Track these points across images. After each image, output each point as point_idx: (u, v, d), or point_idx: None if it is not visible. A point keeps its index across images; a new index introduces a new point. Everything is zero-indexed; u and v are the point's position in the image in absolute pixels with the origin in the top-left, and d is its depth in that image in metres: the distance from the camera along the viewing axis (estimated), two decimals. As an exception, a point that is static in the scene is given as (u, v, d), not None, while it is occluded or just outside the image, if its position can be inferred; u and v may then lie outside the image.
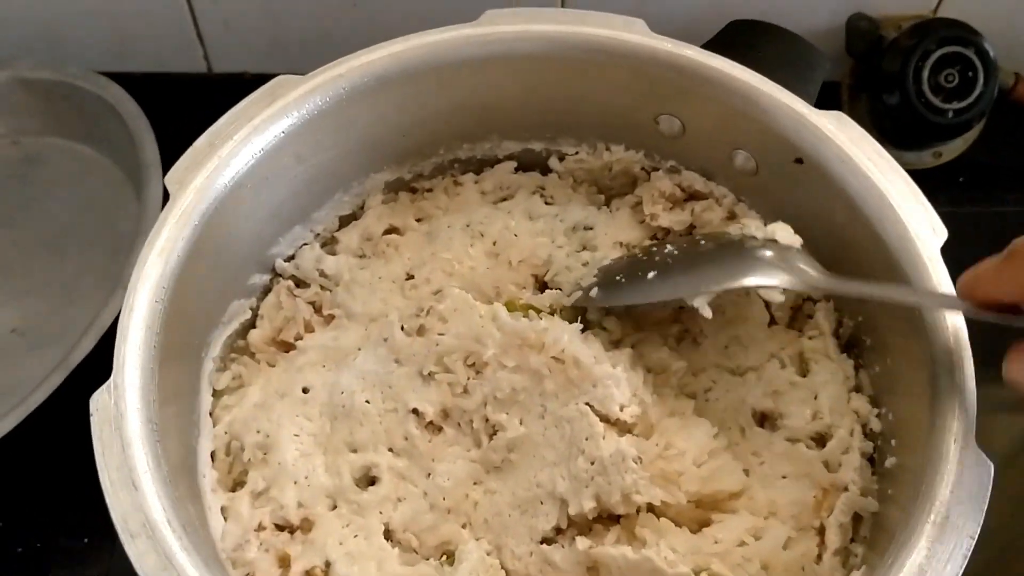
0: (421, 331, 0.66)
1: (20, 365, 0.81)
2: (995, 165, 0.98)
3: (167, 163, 0.81)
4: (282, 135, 0.63)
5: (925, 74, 0.87)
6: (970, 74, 0.88)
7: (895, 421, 0.61)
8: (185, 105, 0.97)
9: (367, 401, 0.64)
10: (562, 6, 0.94)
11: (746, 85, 0.64)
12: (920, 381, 0.56)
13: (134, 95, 0.88)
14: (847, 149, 0.62)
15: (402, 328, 0.66)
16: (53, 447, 0.73)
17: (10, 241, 0.88)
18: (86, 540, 0.75)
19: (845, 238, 0.63)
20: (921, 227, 0.59)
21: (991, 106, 0.89)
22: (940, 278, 0.57)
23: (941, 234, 0.59)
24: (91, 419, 0.52)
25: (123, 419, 0.52)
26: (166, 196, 0.77)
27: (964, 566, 0.49)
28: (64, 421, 0.67)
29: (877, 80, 0.92)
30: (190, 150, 0.61)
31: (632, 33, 0.66)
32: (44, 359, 0.79)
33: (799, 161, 0.64)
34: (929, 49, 0.87)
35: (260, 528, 0.61)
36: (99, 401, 0.52)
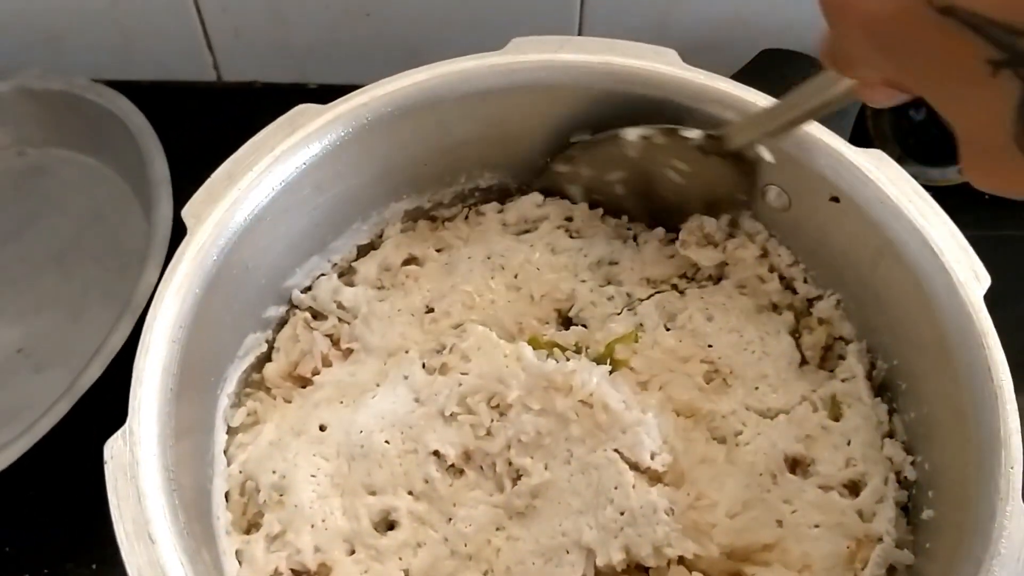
0: (443, 369, 0.64)
1: (26, 387, 0.79)
2: None
3: (175, 177, 0.81)
4: (303, 166, 0.61)
5: None
6: None
7: (932, 471, 0.59)
8: (194, 114, 0.98)
9: (386, 441, 0.62)
10: (579, 32, 0.92)
11: (780, 120, 0.62)
12: (960, 431, 0.55)
13: (142, 103, 0.86)
14: (886, 189, 0.60)
15: (423, 366, 0.65)
16: (60, 473, 0.72)
17: (16, 255, 0.86)
18: (94, 567, 0.73)
19: (881, 281, 0.61)
20: (964, 273, 0.57)
21: None
22: (984, 327, 0.55)
23: (984, 281, 0.57)
24: (105, 467, 0.50)
25: (138, 467, 0.50)
26: (176, 217, 0.77)
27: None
28: (71, 447, 0.66)
29: None
30: (208, 182, 0.59)
31: (663, 64, 0.64)
32: (50, 381, 0.78)
33: (835, 200, 0.62)
34: None
35: (276, 574, 0.59)
36: (114, 448, 0.51)
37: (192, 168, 0.77)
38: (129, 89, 0.87)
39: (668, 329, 0.67)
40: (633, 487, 0.57)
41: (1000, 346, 0.54)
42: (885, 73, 0.40)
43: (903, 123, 0.89)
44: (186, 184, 0.79)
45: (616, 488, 0.58)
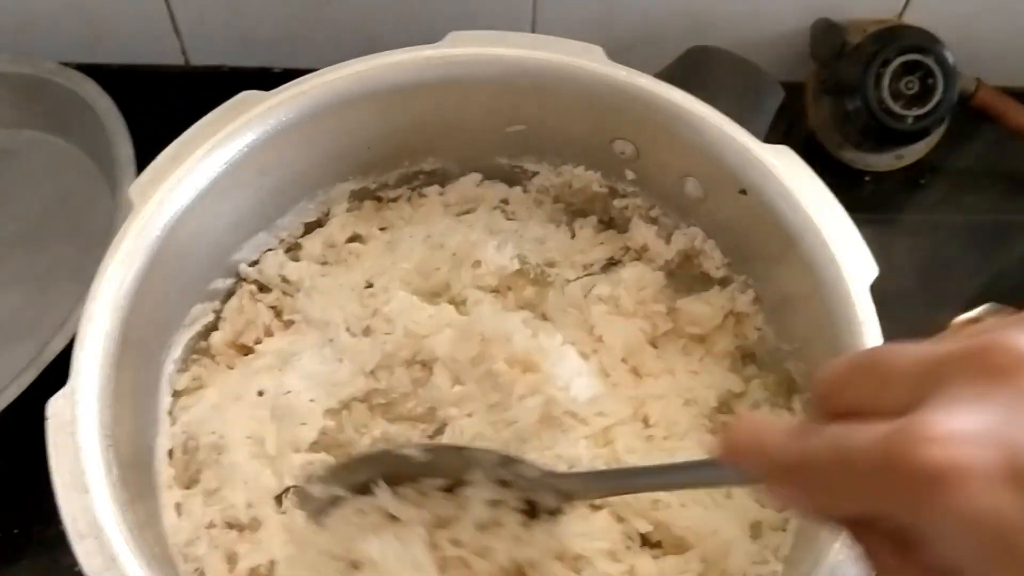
0: (367, 332, 0.69)
1: (-5, 358, 0.82)
2: (956, 168, 1.00)
3: (143, 159, 0.84)
4: (246, 149, 0.65)
5: (885, 81, 0.90)
6: (930, 81, 0.90)
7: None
8: (163, 97, 1.00)
9: (311, 400, 0.67)
10: (533, 29, 0.96)
11: (694, 115, 0.67)
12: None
13: (110, 87, 0.89)
14: (787, 183, 0.64)
15: (347, 330, 0.69)
16: (27, 441, 0.75)
17: (-17, 236, 0.90)
18: (62, 527, 0.76)
19: (782, 272, 0.65)
20: (854, 265, 0.61)
21: (952, 111, 0.92)
22: (866, 315, 0.59)
23: (872, 271, 0.61)
24: (46, 423, 0.55)
25: (76, 424, 0.54)
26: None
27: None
28: (37, 416, 0.70)
29: (839, 85, 0.94)
30: (153, 163, 0.63)
31: (589, 60, 0.68)
32: (17, 355, 0.81)
33: (743, 192, 0.66)
34: (889, 57, 0.90)
35: (211, 526, 0.64)
36: (55, 406, 0.55)
37: (158, 150, 0.81)
38: (98, 73, 0.91)
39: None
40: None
41: (879, 333, 0.58)
42: None
43: (841, 110, 0.94)
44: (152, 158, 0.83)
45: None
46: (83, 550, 0.51)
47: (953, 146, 0.99)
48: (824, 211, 0.63)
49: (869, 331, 0.59)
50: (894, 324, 0.59)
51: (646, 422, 0.66)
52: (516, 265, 0.70)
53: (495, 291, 0.71)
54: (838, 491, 0.32)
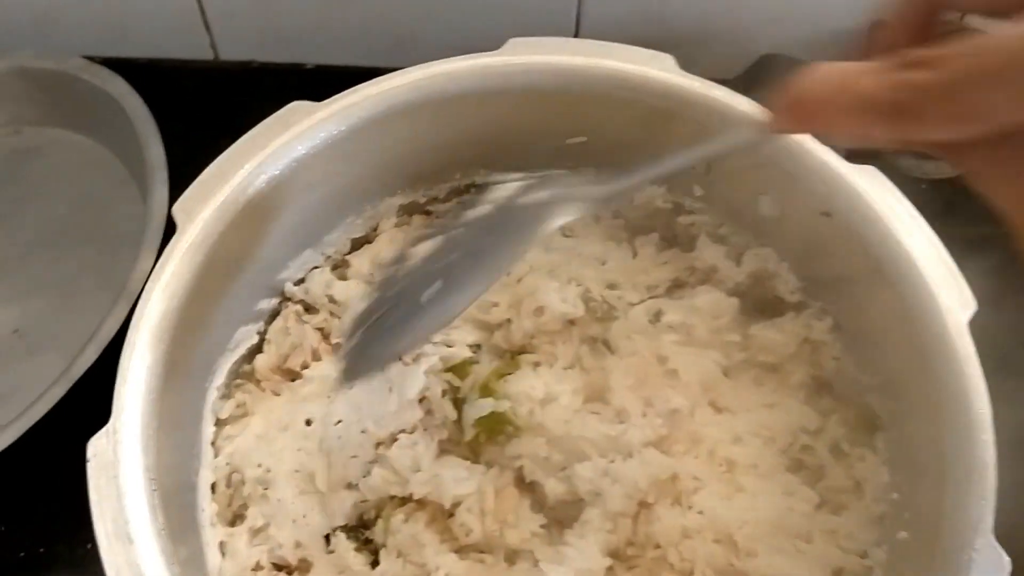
0: (417, 359, 0.65)
1: (21, 369, 0.79)
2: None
3: (170, 157, 0.81)
4: (294, 163, 0.61)
5: None
6: None
7: (909, 494, 0.59)
8: (191, 93, 0.97)
9: (362, 431, 0.63)
10: (576, 29, 0.91)
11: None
12: (937, 459, 0.55)
13: (137, 81, 0.86)
14: (877, 208, 0.60)
15: (400, 358, 0.65)
16: (55, 456, 0.72)
17: (11, 235, 0.86)
18: (88, 546, 0.72)
19: (867, 300, 0.61)
20: (950, 297, 0.57)
21: None
22: (967, 352, 0.55)
23: (970, 306, 0.57)
24: (88, 465, 0.51)
25: (119, 467, 0.51)
26: (171, 204, 0.76)
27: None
28: (65, 431, 0.67)
29: None
30: (199, 179, 0.59)
31: (660, 69, 0.64)
32: (44, 364, 0.78)
33: (827, 214, 0.62)
34: None
35: (257, 568, 0.60)
36: (96, 446, 0.51)
37: (188, 148, 0.77)
38: (124, 67, 0.87)
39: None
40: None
41: (981, 375, 0.54)
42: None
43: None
44: (181, 164, 0.79)
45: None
46: (128, 606, 0.47)
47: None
48: (916, 238, 0.59)
49: (970, 370, 0.55)
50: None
51: (729, 466, 0.62)
52: (581, 311, 0.66)
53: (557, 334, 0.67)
54: (980, 105, 0.32)
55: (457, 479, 0.61)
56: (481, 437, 0.63)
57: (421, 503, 0.61)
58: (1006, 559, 0.50)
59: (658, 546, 0.59)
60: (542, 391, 0.62)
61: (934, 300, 0.57)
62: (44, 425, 0.70)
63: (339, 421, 0.63)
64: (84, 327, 0.75)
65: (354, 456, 0.62)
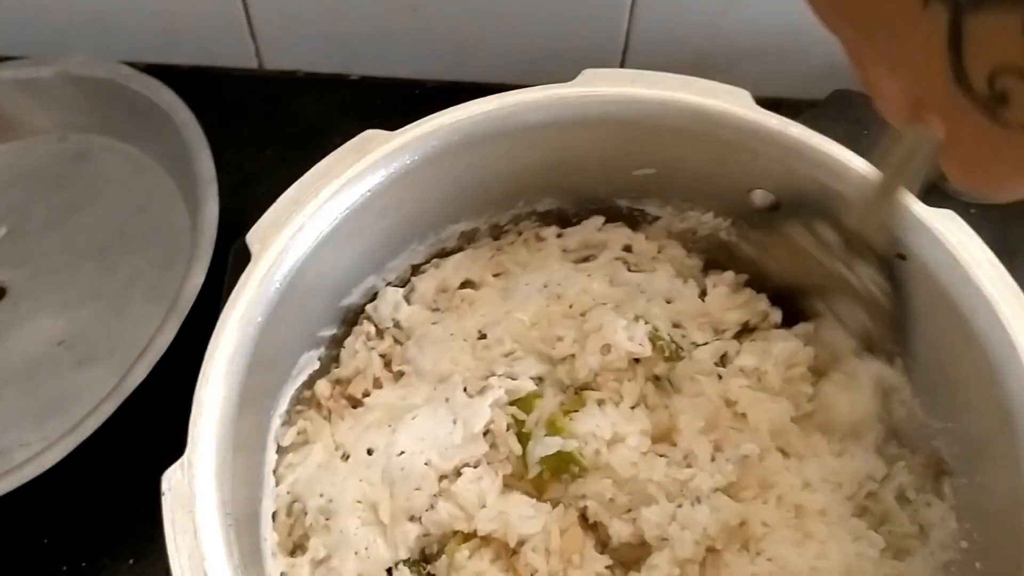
0: (482, 391, 0.64)
1: (69, 381, 0.79)
2: None
3: (216, 168, 0.80)
4: (369, 193, 0.61)
5: None
6: None
7: (982, 544, 0.59)
8: (236, 102, 0.97)
9: (426, 463, 0.62)
10: (622, 64, 0.91)
11: (851, 171, 0.62)
12: (1016, 518, 0.54)
13: (182, 87, 0.85)
14: (956, 254, 0.59)
15: (464, 389, 0.64)
16: (102, 471, 0.72)
17: (58, 244, 0.86)
18: (131, 561, 0.73)
19: (946, 348, 0.60)
20: (1030, 349, 0.56)
21: None
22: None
23: (1051, 358, 0.56)
24: (163, 499, 0.50)
25: (195, 501, 0.50)
26: (221, 217, 0.76)
27: None
28: (114, 446, 0.66)
29: None
30: (273, 207, 0.58)
31: (737, 105, 0.63)
32: (92, 377, 0.78)
33: (902, 257, 0.61)
34: None
35: (319, 600, 0.59)
36: (172, 480, 0.50)
37: (232, 157, 0.77)
38: (169, 73, 0.87)
39: (720, 378, 0.66)
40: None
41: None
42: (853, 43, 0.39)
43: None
44: (224, 173, 0.78)
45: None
46: (206, 643, 0.47)
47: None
48: (998, 287, 0.58)
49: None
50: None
51: (798, 512, 0.61)
52: (648, 351, 0.65)
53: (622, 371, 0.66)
54: None
55: (523, 517, 0.60)
56: (546, 475, 0.62)
57: (486, 539, 0.61)
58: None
59: None
60: (609, 431, 0.62)
61: (1015, 348, 0.56)
62: (93, 443, 0.70)
63: (402, 452, 0.62)
64: (132, 340, 0.74)
65: (417, 488, 0.61)
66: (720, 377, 0.66)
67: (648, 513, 0.60)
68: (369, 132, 0.61)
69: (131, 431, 0.70)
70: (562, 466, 0.61)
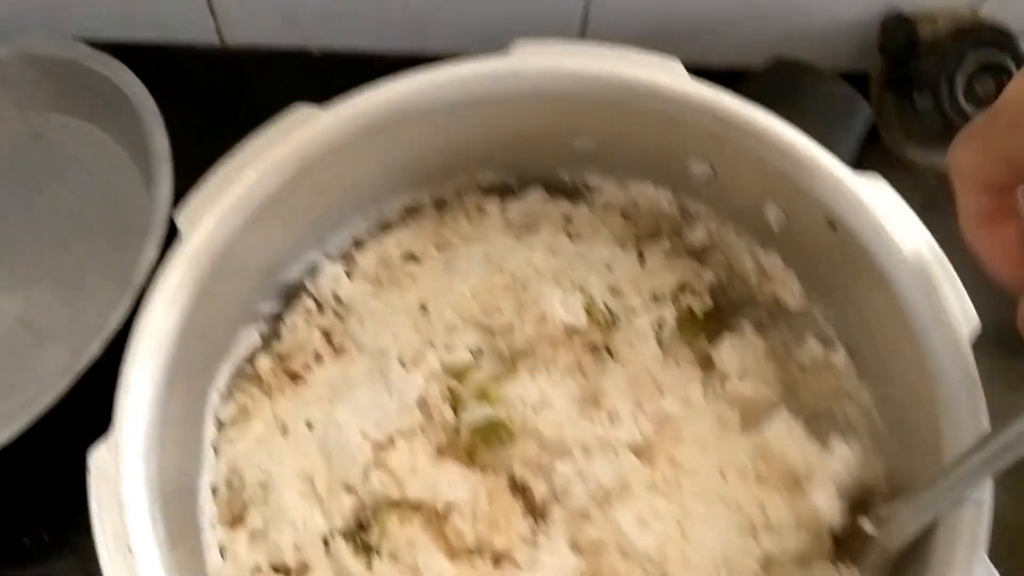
0: (417, 362, 0.65)
1: (27, 359, 0.80)
2: None
3: (175, 142, 0.80)
4: (297, 169, 0.61)
5: (959, 81, 0.85)
6: (1005, 80, 0.85)
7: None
8: (197, 79, 0.97)
9: (362, 435, 0.63)
10: (583, 33, 0.90)
11: (783, 140, 0.62)
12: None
13: (141, 65, 0.85)
14: (883, 221, 0.59)
15: (399, 361, 0.65)
16: (61, 446, 0.72)
17: (18, 224, 0.87)
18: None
19: (869, 309, 0.61)
20: (952, 313, 0.56)
21: None
22: (967, 369, 0.55)
23: (972, 322, 0.56)
24: (89, 477, 0.51)
25: (122, 480, 0.51)
26: (180, 195, 0.76)
27: None
28: (69, 422, 0.67)
29: (908, 82, 0.89)
30: (203, 185, 0.59)
31: (670, 76, 0.63)
32: (51, 355, 0.79)
33: (831, 224, 0.61)
34: (964, 55, 0.85)
35: (257, 570, 0.61)
36: (98, 459, 0.52)
37: (193, 135, 0.77)
38: (129, 51, 0.86)
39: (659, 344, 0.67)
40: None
41: (982, 397, 0.54)
42: None
43: (909, 107, 0.89)
44: (185, 152, 0.79)
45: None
46: (132, 623, 0.48)
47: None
48: (922, 252, 0.58)
49: (970, 394, 0.54)
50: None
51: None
52: (583, 322, 0.66)
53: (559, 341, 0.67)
54: None
55: (452, 484, 0.61)
56: (477, 443, 0.63)
57: (417, 507, 0.62)
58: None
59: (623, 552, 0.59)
60: (537, 396, 0.63)
61: (937, 314, 0.56)
62: (50, 419, 0.71)
63: (338, 425, 0.63)
64: (90, 318, 0.75)
65: (353, 459, 0.62)
66: (659, 344, 0.67)
67: (559, 466, 0.61)
68: (300, 106, 0.61)
69: (88, 406, 0.71)
70: (492, 433, 0.62)
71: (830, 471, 0.61)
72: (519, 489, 0.63)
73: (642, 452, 0.63)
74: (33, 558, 0.75)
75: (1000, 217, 0.48)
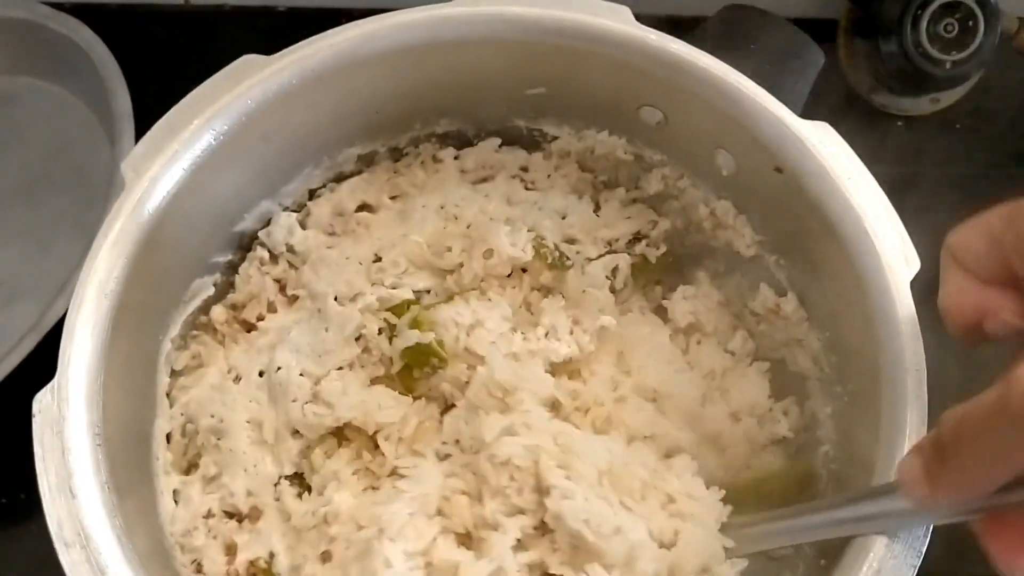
0: (355, 299, 0.66)
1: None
2: (995, 111, 0.95)
3: (140, 105, 0.81)
4: (244, 118, 0.61)
5: (923, 24, 0.86)
6: (970, 23, 0.86)
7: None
8: (161, 39, 0.96)
9: (301, 374, 0.64)
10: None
11: (729, 86, 0.62)
12: (872, 413, 0.56)
13: (107, 29, 0.86)
14: (827, 164, 0.59)
15: (335, 298, 0.66)
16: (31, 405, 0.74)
17: (-15, 186, 0.87)
18: None
19: (817, 254, 0.62)
20: (894, 256, 0.57)
21: (993, 53, 0.87)
22: (905, 313, 0.55)
23: (913, 265, 0.57)
24: (33, 420, 0.52)
25: (65, 423, 0.52)
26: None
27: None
28: (39, 380, 0.68)
29: (874, 26, 0.89)
30: (148, 135, 0.59)
31: (617, 22, 0.63)
32: (19, 315, 0.81)
33: (779, 170, 0.61)
34: None
35: (209, 515, 0.61)
36: (42, 403, 0.52)
37: (157, 95, 0.76)
38: (94, 12, 0.87)
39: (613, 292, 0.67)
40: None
41: (919, 334, 0.54)
42: None
43: (875, 53, 0.89)
44: (150, 112, 0.78)
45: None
46: (69, 560, 0.49)
47: (992, 88, 0.94)
48: (865, 196, 0.58)
49: (908, 331, 0.55)
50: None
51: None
52: (529, 256, 0.66)
53: (508, 277, 0.67)
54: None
55: (384, 407, 0.62)
56: (412, 371, 0.63)
57: (347, 438, 0.63)
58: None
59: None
60: (470, 318, 0.63)
61: (878, 258, 0.57)
62: (19, 375, 0.72)
63: (279, 368, 0.63)
64: (58, 276, 0.76)
65: (294, 400, 0.62)
66: (613, 292, 0.67)
67: (480, 371, 0.61)
68: (246, 56, 0.61)
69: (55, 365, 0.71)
70: (423, 358, 0.63)
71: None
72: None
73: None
74: (11, 518, 0.76)
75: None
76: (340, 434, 0.63)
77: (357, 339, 0.64)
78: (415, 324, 0.63)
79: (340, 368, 0.63)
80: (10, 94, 0.92)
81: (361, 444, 0.62)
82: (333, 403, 0.62)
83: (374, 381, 0.64)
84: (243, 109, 0.61)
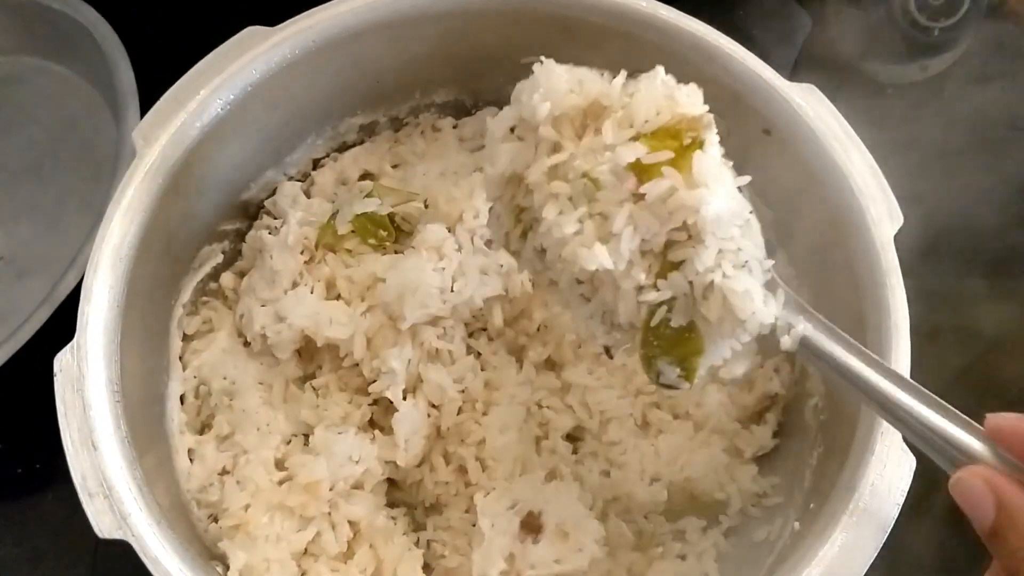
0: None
1: (10, 293, 0.82)
2: (982, 78, 0.96)
3: (142, 81, 0.82)
4: (249, 87, 0.63)
5: None
6: None
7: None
8: (162, 17, 0.96)
9: (263, 305, 0.66)
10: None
11: (719, 50, 0.64)
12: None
13: (108, 6, 0.86)
14: (813, 125, 0.61)
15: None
16: (45, 378, 0.75)
17: (-7, 164, 0.89)
18: None
19: (804, 212, 0.64)
20: (879, 213, 0.59)
21: (981, 21, 0.88)
22: (889, 265, 0.58)
23: (897, 221, 0.59)
24: (55, 379, 0.54)
25: (85, 381, 0.54)
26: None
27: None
28: (53, 353, 0.70)
29: None
30: (157, 105, 0.61)
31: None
32: (30, 290, 0.81)
33: (767, 132, 0.63)
34: None
35: (224, 472, 0.63)
36: (63, 362, 0.54)
37: (160, 70, 0.78)
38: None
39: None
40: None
41: (902, 285, 0.56)
42: None
43: (863, 21, 0.90)
44: (153, 87, 0.80)
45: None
46: (93, 509, 0.51)
47: (981, 55, 0.94)
48: (851, 155, 0.61)
49: (893, 283, 0.57)
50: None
51: None
52: None
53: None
54: None
55: (336, 322, 0.64)
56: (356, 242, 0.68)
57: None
58: (912, 458, 0.53)
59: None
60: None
61: (863, 214, 0.59)
62: (33, 346, 0.73)
63: (241, 315, 0.67)
64: (68, 251, 0.77)
65: (261, 328, 0.66)
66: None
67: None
68: (250, 28, 0.63)
69: (68, 336, 0.73)
70: (371, 228, 0.66)
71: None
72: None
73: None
74: (27, 488, 0.78)
75: None
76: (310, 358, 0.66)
77: (301, 252, 0.66)
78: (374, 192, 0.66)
79: (295, 286, 0.66)
80: (15, 74, 0.93)
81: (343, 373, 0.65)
82: (287, 315, 0.64)
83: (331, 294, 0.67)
84: (248, 79, 0.63)
